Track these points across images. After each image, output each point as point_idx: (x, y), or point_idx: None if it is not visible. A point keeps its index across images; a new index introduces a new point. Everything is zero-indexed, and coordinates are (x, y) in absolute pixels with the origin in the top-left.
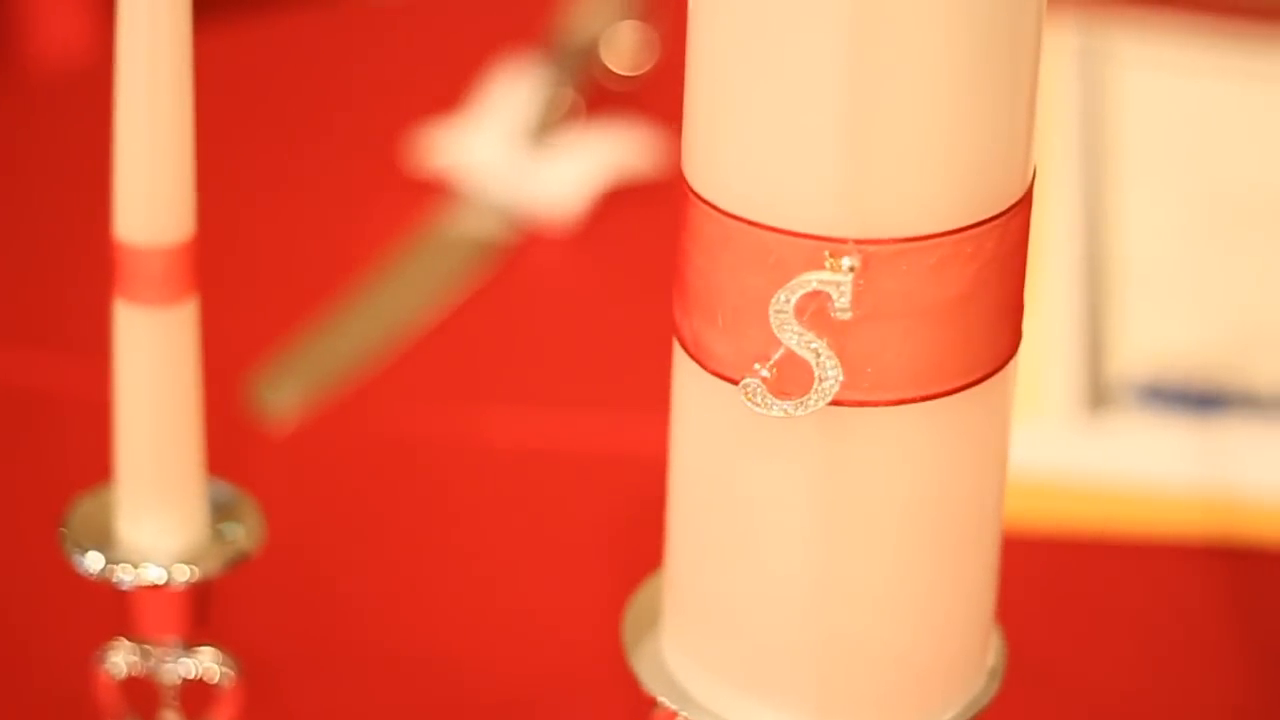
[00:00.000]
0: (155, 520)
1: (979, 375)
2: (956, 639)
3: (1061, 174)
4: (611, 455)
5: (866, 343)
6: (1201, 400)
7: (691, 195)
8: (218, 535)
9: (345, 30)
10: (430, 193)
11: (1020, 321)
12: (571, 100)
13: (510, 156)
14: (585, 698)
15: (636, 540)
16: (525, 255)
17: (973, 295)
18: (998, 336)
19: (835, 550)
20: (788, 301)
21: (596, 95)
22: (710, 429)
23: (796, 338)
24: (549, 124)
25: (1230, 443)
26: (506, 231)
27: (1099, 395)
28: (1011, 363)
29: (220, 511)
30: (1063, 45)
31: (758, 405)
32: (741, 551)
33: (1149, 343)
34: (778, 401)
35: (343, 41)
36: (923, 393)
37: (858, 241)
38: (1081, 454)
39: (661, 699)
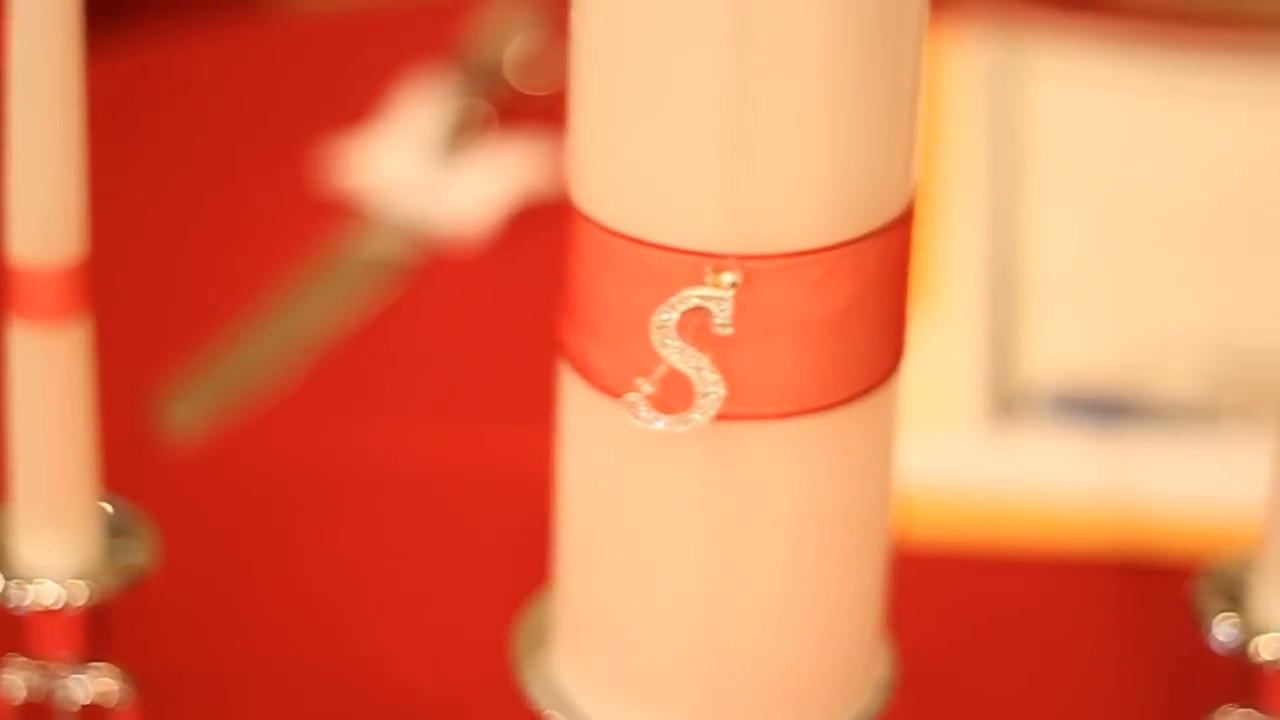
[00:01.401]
0: (50, 538)
1: (862, 389)
2: (843, 652)
3: (973, 185)
4: (516, 472)
5: (749, 358)
6: (1107, 410)
7: (575, 211)
8: (113, 553)
9: (254, 46)
10: (338, 209)
11: (904, 335)
12: (478, 117)
13: (417, 173)
14: (484, 713)
15: (540, 556)
16: (432, 272)
17: (855, 309)
18: (881, 350)
19: (721, 564)
20: (669, 317)
21: (504, 111)
22: (596, 445)
23: (678, 353)
24: (456, 141)
25: (1135, 453)
26: (413, 248)
27: (1005, 405)
28: (896, 376)
29: (117, 530)
30: (974, 58)
31: (640, 420)
32: (628, 566)
33: (1056, 353)
34: (660, 416)
35: (251, 57)
36: (806, 407)
37: (739, 257)
38: (987, 464)
39: (551, 714)
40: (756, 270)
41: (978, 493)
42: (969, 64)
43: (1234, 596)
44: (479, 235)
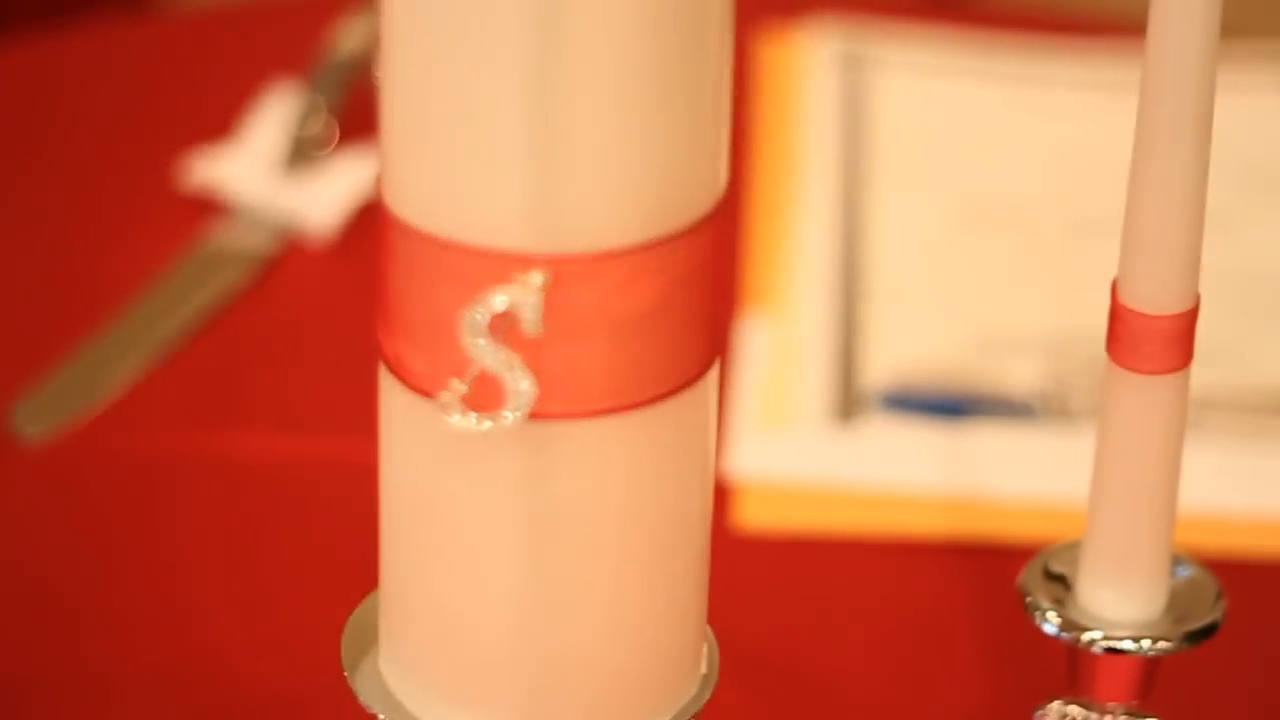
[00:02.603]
0: None
1: (674, 386)
2: (666, 647)
3: (819, 181)
4: (363, 471)
5: (559, 357)
6: (949, 406)
7: (387, 213)
8: None
9: (125, 44)
10: (192, 213)
11: (716, 333)
12: (328, 118)
13: (270, 175)
14: (325, 711)
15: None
16: (281, 273)
17: (664, 308)
18: (692, 347)
19: (540, 563)
20: (479, 318)
21: (357, 114)
22: (414, 445)
23: (489, 354)
24: (304, 142)
25: (975, 448)
26: (265, 251)
27: (850, 402)
28: (711, 373)
29: None
30: (825, 57)
31: (454, 420)
32: (449, 566)
33: (900, 349)
34: (473, 416)
35: (122, 55)
36: (618, 404)
37: (545, 258)
38: (832, 461)
39: (378, 713)
40: (563, 271)
41: (820, 488)
42: (819, 63)
43: (1062, 586)
44: (325, 237)
